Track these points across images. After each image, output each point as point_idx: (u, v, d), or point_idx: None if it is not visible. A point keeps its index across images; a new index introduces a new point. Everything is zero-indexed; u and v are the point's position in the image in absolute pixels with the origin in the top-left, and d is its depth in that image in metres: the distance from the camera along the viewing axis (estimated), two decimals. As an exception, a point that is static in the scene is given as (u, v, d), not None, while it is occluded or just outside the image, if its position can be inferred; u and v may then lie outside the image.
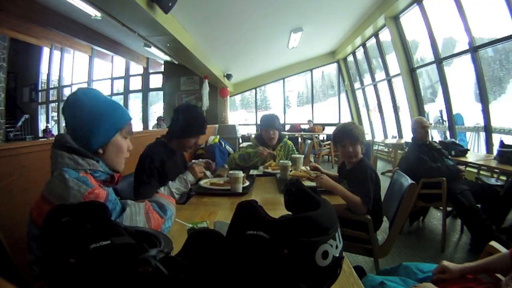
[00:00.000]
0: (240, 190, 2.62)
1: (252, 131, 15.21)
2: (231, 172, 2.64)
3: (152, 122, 15.08)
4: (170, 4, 5.27)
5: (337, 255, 0.79)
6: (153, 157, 2.63)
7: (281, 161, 3.34)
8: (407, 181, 2.61)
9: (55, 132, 16.81)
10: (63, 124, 1.51)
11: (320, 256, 0.75)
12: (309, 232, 0.76)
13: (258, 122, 15.32)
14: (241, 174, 2.64)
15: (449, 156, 4.42)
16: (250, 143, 4.30)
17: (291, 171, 3.13)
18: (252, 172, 3.46)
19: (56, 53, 18.53)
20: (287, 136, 4.25)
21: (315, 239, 0.75)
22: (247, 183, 2.79)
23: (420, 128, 4.30)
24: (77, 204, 0.81)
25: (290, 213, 0.96)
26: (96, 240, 0.70)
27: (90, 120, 1.44)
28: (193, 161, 2.89)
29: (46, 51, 18.29)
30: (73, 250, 0.69)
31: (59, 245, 0.71)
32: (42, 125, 18.11)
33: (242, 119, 16.54)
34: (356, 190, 2.54)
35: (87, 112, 1.44)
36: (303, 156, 3.60)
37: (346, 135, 2.80)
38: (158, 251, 0.74)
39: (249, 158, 3.82)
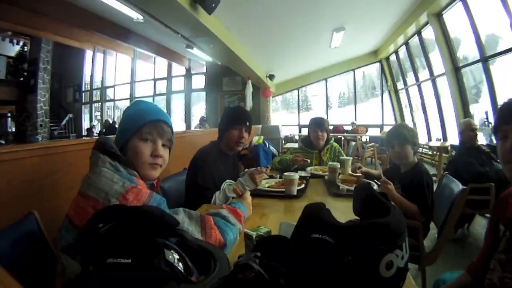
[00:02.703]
0: (295, 193, 2.54)
1: (294, 131, 15.15)
2: (286, 174, 2.56)
3: (195, 122, 15.27)
4: (213, 5, 5.32)
5: (402, 266, 0.74)
6: (206, 159, 2.62)
7: (330, 163, 3.29)
8: (457, 186, 2.52)
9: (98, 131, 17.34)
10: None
11: (384, 266, 0.70)
12: (376, 240, 0.72)
13: (301, 123, 15.31)
14: (296, 176, 2.56)
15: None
16: (295, 145, 4.25)
17: (339, 174, 3.07)
18: (300, 174, 3.26)
19: (99, 56, 19.17)
20: (333, 139, 4.18)
21: (381, 248, 0.71)
22: (302, 186, 2.72)
23: (468, 131, 4.16)
24: (132, 210, 0.82)
25: (357, 218, 0.93)
26: (116, 255, 0.67)
27: (120, 127, 1.52)
28: (252, 169, 2.75)
29: (89, 53, 18.97)
30: (93, 259, 0.69)
31: (87, 250, 0.72)
32: (85, 124, 18.82)
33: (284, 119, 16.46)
34: (412, 197, 2.52)
35: (121, 120, 1.54)
36: (351, 158, 3.50)
37: (393, 136, 2.78)
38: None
39: (287, 165, 3.78)
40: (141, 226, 0.76)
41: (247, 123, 2.84)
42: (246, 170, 2.73)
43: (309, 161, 3.82)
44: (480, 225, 4.72)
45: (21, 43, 14.93)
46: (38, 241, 1.58)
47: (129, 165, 1.39)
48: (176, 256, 0.77)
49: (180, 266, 0.76)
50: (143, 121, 1.47)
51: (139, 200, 1.24)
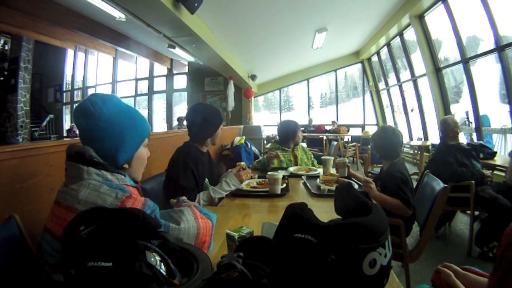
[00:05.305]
0: (279, 192, 2.59)
1: (276, 132, 15.01)
2: (269, 173, 2.61)
3: (176, 122, 15.20)
4: (196, 5, 5.29)
5: (385, 264, 0.76)
6: (187, 159, 2.57)
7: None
8: (439, 184, 2.56)
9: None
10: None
11: (367, 264, 0.72)
12: (359, 239, 0.73)
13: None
14: (280, 175, 2.61)
15: (478, 160, 4.31)
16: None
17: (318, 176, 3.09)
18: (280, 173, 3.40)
19: (80, 55, 18.90)
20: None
21: (364, 246, 0.72)
22: (284, 185, 2.75)
23: (456, 128, 4.21)
24: (113, 212, 0.80)
25: (339, 217, 0.93)
26: (97, 259, 0.66)
27: (116, 136, 1.35)
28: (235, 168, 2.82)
29: (70, 52, 18.67)
30: (73, 262, 0.68)
31: (68, 253, 0.72)
32: (66, 125, 18.46)
33: (266, 120, 16.42)
34: (390, 193, 2.56)
35: (111, 127, 1.34)
36: (333, 158, 3.56)
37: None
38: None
39: (264, 164, 3.98)
40: (122, 229, 0.75)
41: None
42: (230, 170, 2.76)
43: (281, 155, 4.02)
44: (461, 222, 4.81)
45: (1, 41, 14.56)
46: (19, 245, 1.55)
47: (116, 170, 1.33)
48: (158, 259, 0.77)
49: (162, 268, 0.76)
50: (147, 130, 1.50)
51: None
